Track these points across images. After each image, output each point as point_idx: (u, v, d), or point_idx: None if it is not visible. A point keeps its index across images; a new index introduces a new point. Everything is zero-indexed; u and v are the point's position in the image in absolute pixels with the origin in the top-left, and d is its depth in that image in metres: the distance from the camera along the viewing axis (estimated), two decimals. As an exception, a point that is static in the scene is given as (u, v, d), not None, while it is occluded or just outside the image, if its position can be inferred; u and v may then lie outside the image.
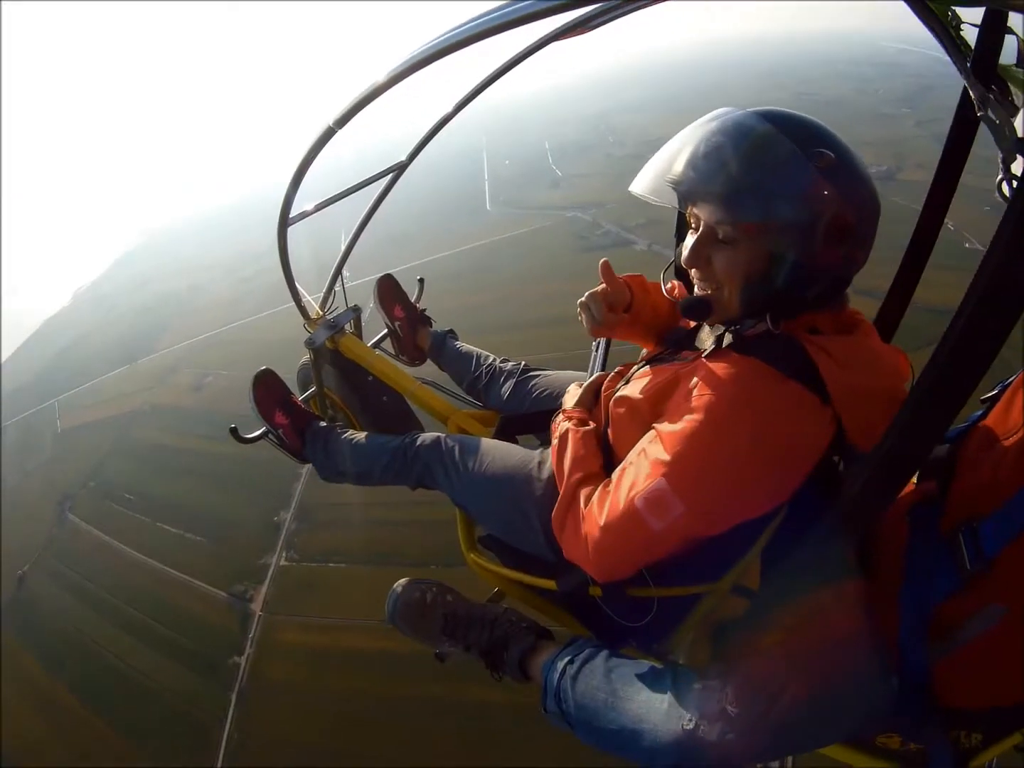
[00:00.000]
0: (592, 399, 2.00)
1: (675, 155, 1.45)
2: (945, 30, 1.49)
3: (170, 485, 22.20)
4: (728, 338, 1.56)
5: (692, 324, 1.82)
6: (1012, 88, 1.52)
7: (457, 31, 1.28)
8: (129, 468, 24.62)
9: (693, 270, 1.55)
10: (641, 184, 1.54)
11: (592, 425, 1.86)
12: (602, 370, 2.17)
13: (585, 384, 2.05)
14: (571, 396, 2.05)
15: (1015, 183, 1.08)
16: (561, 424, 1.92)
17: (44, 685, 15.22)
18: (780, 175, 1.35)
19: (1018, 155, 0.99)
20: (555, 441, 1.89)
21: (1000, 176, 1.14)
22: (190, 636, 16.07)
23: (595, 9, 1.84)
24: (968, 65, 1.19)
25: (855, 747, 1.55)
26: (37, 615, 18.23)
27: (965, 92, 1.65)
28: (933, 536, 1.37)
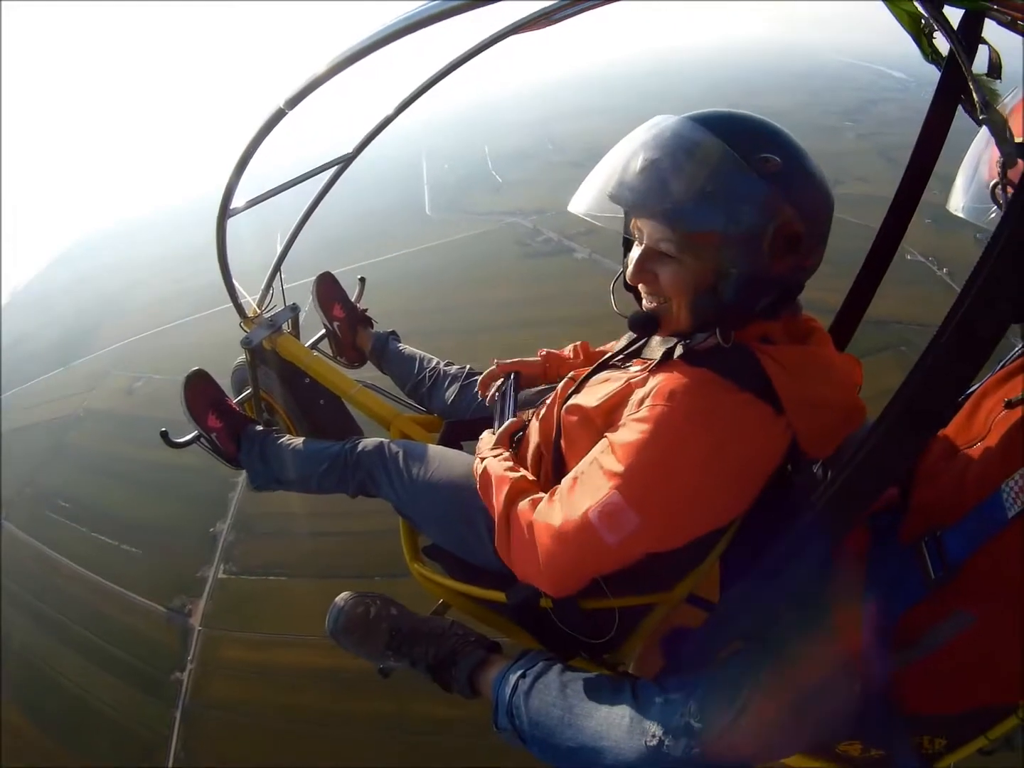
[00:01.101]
0: (508, 443, 1.98)
1: (612, 170, 1.45)
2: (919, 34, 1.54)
3: (105, 493, 21.49)
4: (679, 350, 1.56)
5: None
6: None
7: (415, 12, 1.25)
8: (65, 474, 23.77)
9: (639, 285, 1.55)
10: (580, 204, 1.54)
11: (509, 462, 1.83)
12: (514, 415, 2.13)
13: (500, 429, 2.02)
14: (484, 442, 2.00)
15: (1010, 189, 1.10)
16: (478, 463, 1.89)
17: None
18: (721, 185, 1.33)
19: (1019, 159, 1.00)
20: (479, 482, 1.85)
21: (995, 180, 1.16)
22: (131, 651, 15.51)
23: (552, 6, 1.89)
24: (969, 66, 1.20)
25: (815, 754, 1.56)
26: None
27: (937, 100, 1.70)
28: (895, 544, 1.40)
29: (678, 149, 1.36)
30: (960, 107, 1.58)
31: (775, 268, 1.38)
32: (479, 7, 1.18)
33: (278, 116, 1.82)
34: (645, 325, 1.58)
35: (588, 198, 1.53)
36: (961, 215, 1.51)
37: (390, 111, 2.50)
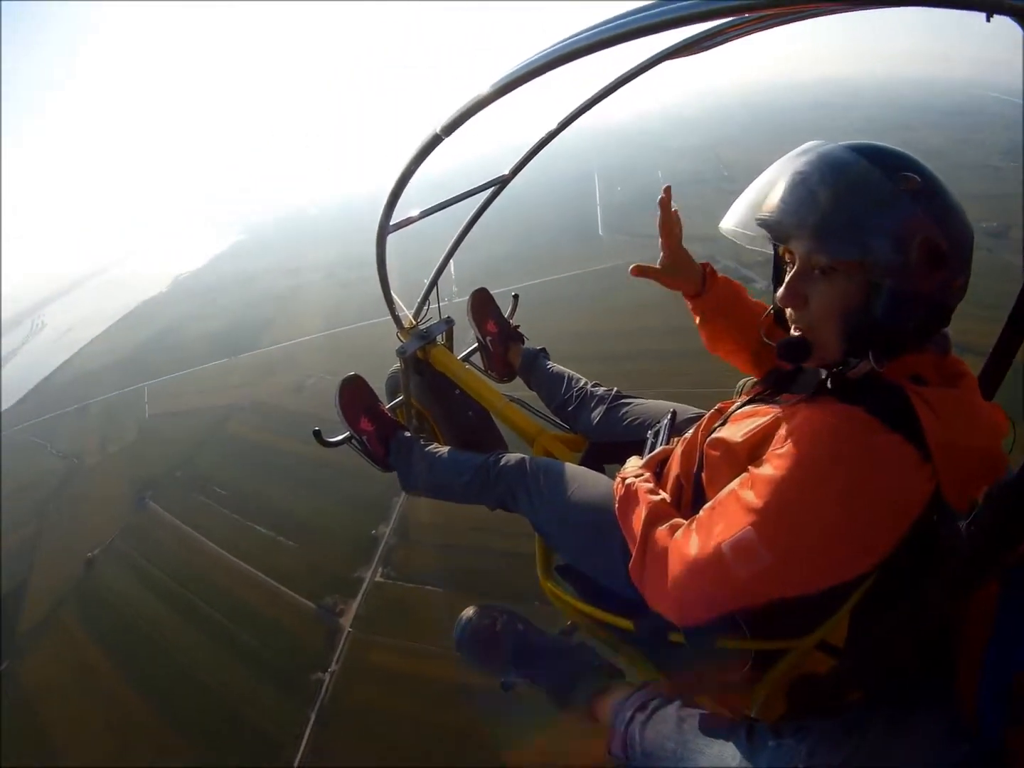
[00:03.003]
0: (655, 467, 2.01)
1: (765, 191, 1.51)
2: None
3: (264, 485, 22.98)
4: (831, 382, 1.57)
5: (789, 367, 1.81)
6: None
7: (567, 42, 1.34)
8: (222, 462, 25.62)
9: (789, 310, 1.57)
10: (732, 220, 1.61)
11: (651, 484, 1.87)
12: (667, 444, 2.16)
13: (649, 455, 2.06)
14: (630, 465, 2.04)
15: None
16: (620, 483, 1.94)
17: (110, 682, 15.95)
18: (867, 202, 1.37)
19: None
20: (617, 499, 1.90)
21: None
22: (272, 645, 16.38)
23: (709, 30, 1.91)
24: None
25: None
26: (105, 604, 19.08)
27: None
28: None
29: (828, 169, 1.41)
30: None
31: (923, 284, 1.38)
32: (642, 37, 1.24)
33: (434, 142, 1.93)
34: (797, 350, 1.58)
35: (739, 216, 1.61)
36: None
37: (544, 134, 2.63)
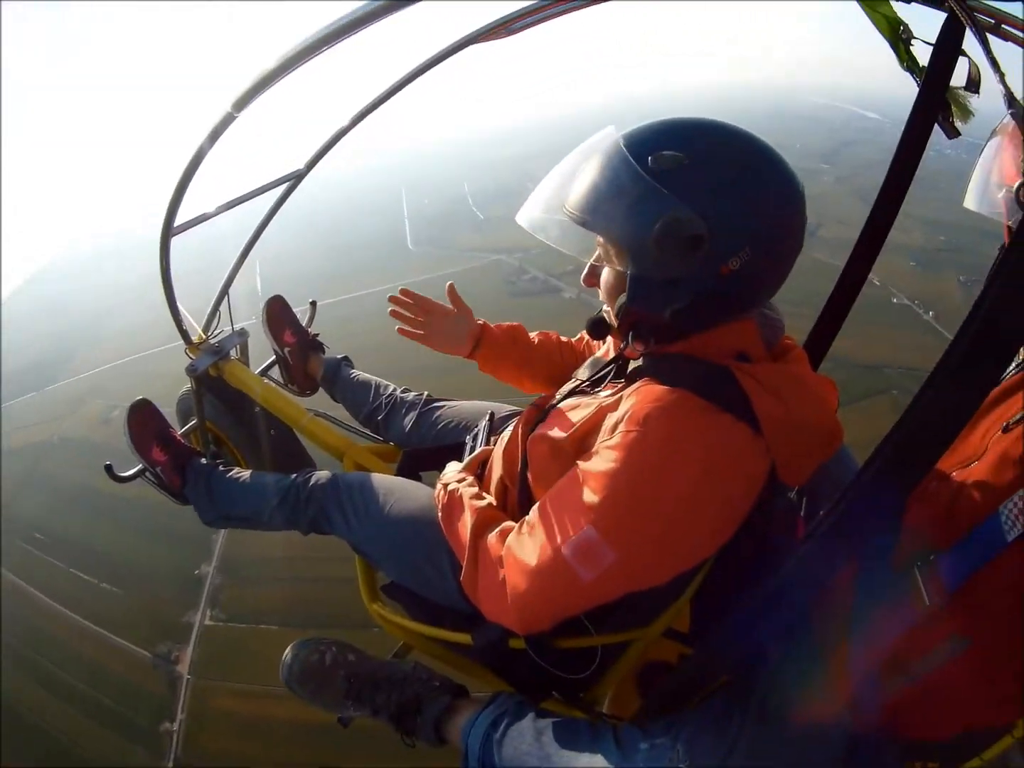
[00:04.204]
0: (477, 470, 2.00)
1: (563, 180, 1.54)
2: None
3: (84, 527, 22.20)
4: (632, 365, 1.62)
5: (611, 355, 1.82)
6: (955, 112, 1.66)
7: (364, 6, 1.26)
8: (40, 504, 24.37)
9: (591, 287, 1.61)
10: (534, 210, 1.62)
11: (475, 488, 1.84)
12: (486, 444, 2.17)
13: (469, 457, 2.04)
14: (449, 471, 2.00)
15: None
16: (441, 490, 1.89)
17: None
18: (608, 183, 1.40)
19: None
20: (440, 508, 1.85)
21: (1020, 181, 1.17)
22: (117, 699, 15.89)
23: (513, 14, 1.88)
24: (1001, 72, 1.22)
25: None
26: None
27: (915, 116, 1.77)
28: (885, 570, 1.39)
29: (597, 156, 1.45)
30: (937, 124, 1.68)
31: (671, 270, 1.38)
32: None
33: (227, 121, 1.75)
34: (595, 327, 1.65)
35: (541, 206, 1.61)
36: (980, 211, 1.56)
37: (339, 127, 2.53)
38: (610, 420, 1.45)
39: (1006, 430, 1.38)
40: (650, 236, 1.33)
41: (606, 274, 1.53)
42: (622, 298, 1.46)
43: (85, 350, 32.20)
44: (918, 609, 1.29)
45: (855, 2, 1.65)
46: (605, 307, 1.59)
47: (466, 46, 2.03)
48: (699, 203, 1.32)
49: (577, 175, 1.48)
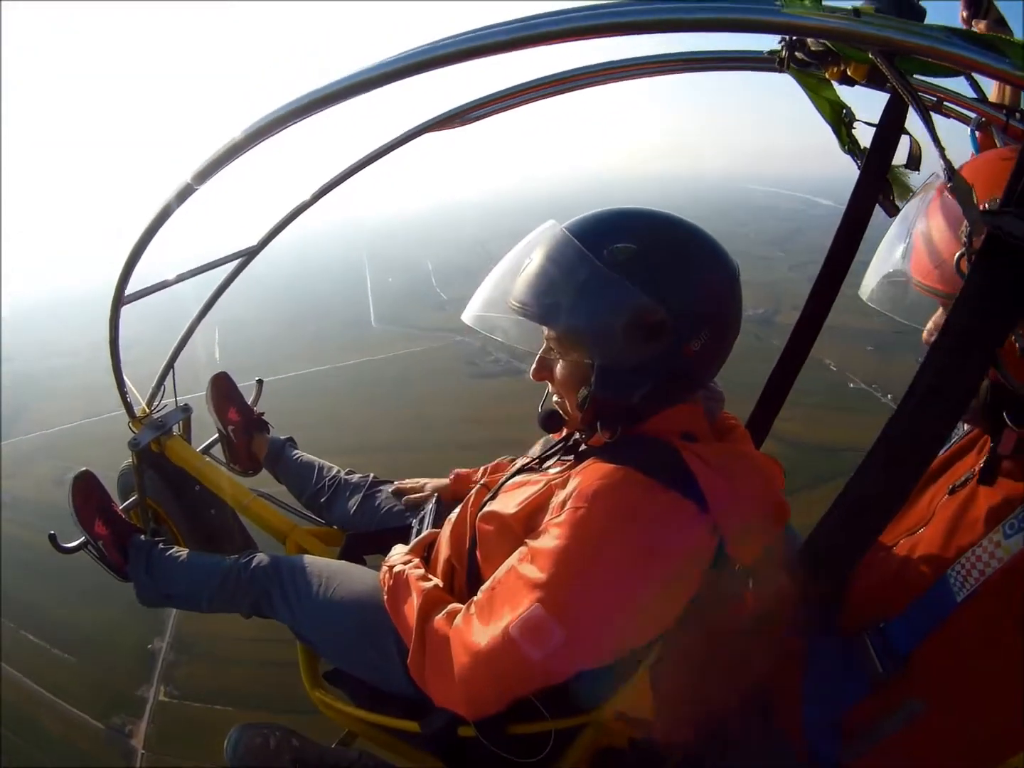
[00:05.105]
0: (423, 553, 1.99)
1: (510, 276, 1.56)
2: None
3: (34, 590, 21.63)
4: (582, 447, 1.63)
5: (559, 435, 1.84)
6: (895, 190, 1.76)
7: (332, 84, 1.27)
8: None
9: (542, 382, 1.62)
10: (477, 308, 1.65)
11: (422, 570, 1.84)
12: (434, 527, 2.17)
13: (415, 540, 2.04)
14: (395, 553, 2.01)
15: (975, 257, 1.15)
16: (387, 572, 1.88)
17: None
18: (564, 277, 1.43)
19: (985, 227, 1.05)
20: (386, 590, 1.84)
21: (960, 252, 1.20)
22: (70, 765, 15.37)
23: (470, 103, 1.98)
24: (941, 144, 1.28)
25: None
26: None
27: (857, 195, 1.87)
28: (835, 638, 1.42)
29: (546, 249, 1.47)
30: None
31: (638, 357, 1.42)
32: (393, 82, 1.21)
33: (185, 192, 1.75)
34: (549, 421, 1.64)
35: (484, 303, 1.64)
36: (877, 306, 1.55)
37: (295, 205, 2.58)
38: (558, 497, 1.46)
39: (952, 492, 1.43)
40: (616, 326, 1.38)
41: (562, 367, 1.53)
42: (583, 390, 1.48)
43: (36, 408, 31.76)
44: (871, 675, 1.32)
45: (801, 88, 1.73)
46: (556, 398, 1.61)
47: (421, 134, 2.12)
48: (658, 290, 1.38)
49: (524, 270, 1.50)
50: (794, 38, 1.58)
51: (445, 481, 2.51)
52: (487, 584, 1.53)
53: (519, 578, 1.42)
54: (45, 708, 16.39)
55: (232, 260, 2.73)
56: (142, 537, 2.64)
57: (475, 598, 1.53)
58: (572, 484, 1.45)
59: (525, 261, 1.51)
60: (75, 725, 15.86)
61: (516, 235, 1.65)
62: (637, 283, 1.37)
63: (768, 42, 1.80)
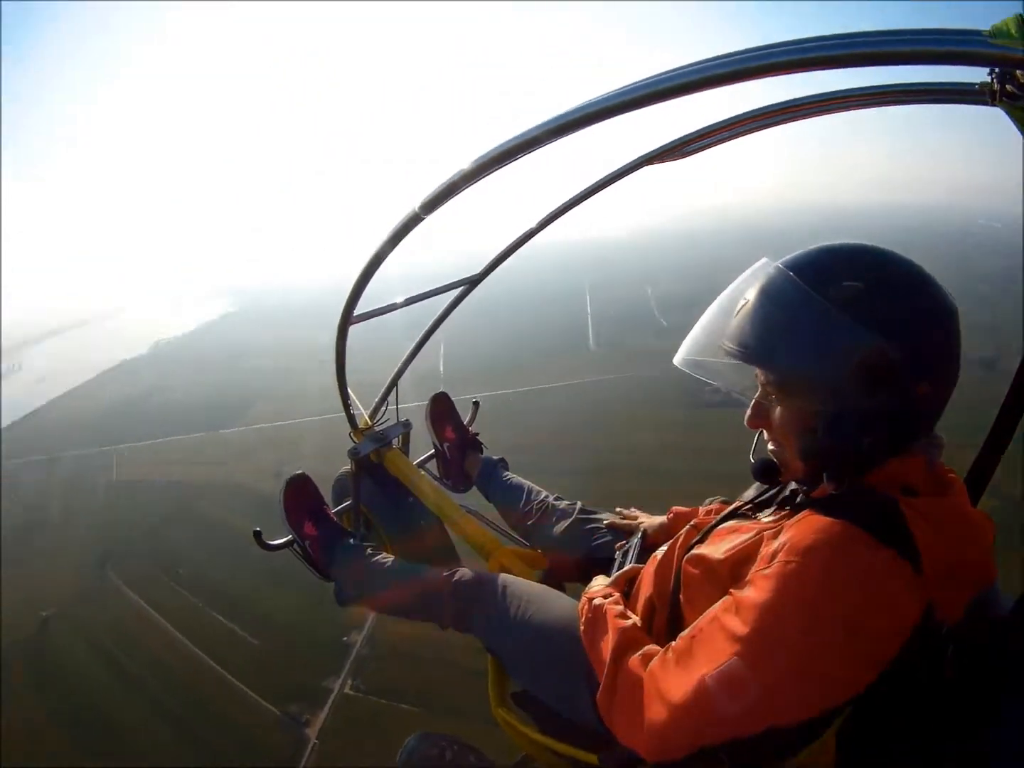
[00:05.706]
0: (624, 587, 1.97)
1: (723, 319, 1.53)
2: None
3: (229, 572, 22.65)
4: (800, 499, 1.56)
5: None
6: None
7: (552, 120, 1.32)
8: (188, 541, 25.35)
9: (761, 430, 1.57)
10: (690, 351, 1.61)
11: (621, 606, 1.82)
12: (637, 561, 2.14)
13: (617, 573, 2.02)
14: (596, 585, 2.01)
15: None
16: (586, 604, 1.87)
17: (49, 737, 15.51)
18: (787, 319, 1.39)
19: None
20: (583, 622, 1.84)
21: None
22: (238, 750, 15.86)
23: (690, 135, 2.00)
24: None
25: None
26: (55, 666, 18.63)
27: None
28: None
29: (757, 288, 1.44)
30: None
31: (867, 400, 1.35)
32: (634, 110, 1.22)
33: (413, 221, 1.79)
34: (765, 472, 1.59)
35: (698, 347, 1.60)
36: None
37: (519, 235, 2.65)
38: (768, 548, 1.43)
39: None
40: (847, 369, 1.33)
41: (781, 413, 1.48)
42: (806, 437, 1.45)
43: (262, 403, 33.95)
44: None
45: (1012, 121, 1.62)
46: (772, 446, 1.56)
47: (641, 167, 2.14)
48: (888, 329, 1.32)
49: (739, 311, 1.47)
50: (1003, 70, 1.51)
51: (662, 519, 2.46)
52: (687, 631, 1.50)
53: (721, 629, 1.39)
54: (218, 686, 16.98)
55: (456, 287, 2.85)
56: (352, 541, 2.80)
57: (673, 643, 1.52)
58: (784, 536, 1.41)
59: (740, 301, 1.47)
60: (249, 708, 16.34)
61: (743, 268, 1.61)
62: (865, 323, 1.32)
63: (968, 74, 1.67)
